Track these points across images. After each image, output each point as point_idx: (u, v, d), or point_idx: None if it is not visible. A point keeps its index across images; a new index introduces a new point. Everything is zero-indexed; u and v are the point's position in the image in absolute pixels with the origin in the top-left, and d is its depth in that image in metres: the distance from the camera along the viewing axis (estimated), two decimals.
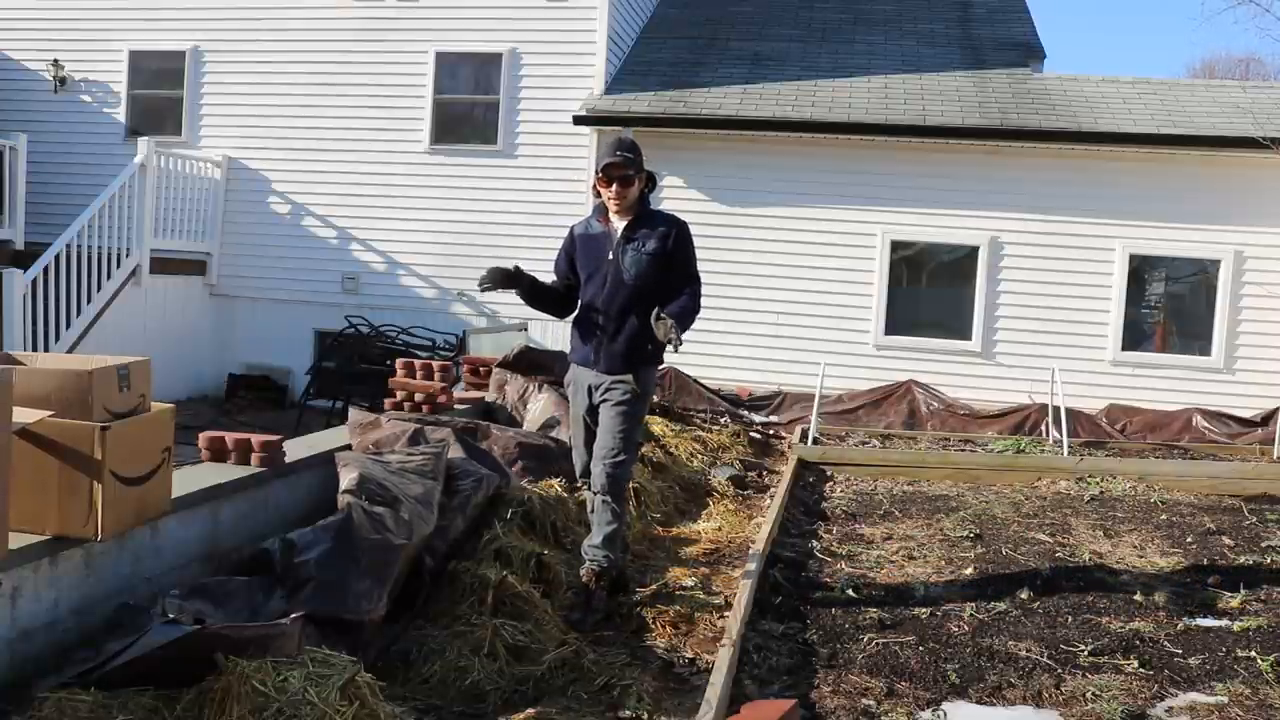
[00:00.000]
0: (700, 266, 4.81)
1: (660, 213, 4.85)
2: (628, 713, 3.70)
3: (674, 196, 10.85)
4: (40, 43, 12.90)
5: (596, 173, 4.71)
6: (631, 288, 4.62)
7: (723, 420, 10.06)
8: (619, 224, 4.70)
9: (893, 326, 11.04)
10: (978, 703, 3.88)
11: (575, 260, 4.82)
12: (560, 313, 5.03)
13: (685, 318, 4.56)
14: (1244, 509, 7.25)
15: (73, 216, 10.58)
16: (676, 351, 4.49)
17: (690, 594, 4.96)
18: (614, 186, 4.63)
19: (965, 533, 6.37)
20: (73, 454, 3.30)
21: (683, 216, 4.87)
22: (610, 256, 4.67)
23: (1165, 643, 4.49)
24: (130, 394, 3.55)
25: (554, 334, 11.08)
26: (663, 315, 4.43)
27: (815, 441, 9.12)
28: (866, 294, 11.06)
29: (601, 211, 4.79)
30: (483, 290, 4.75)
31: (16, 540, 3.19)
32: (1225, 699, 3.91)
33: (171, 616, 3.36)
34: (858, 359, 10.97)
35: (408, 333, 11.27)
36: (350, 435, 5.44)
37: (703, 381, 10.79)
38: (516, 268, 4.79)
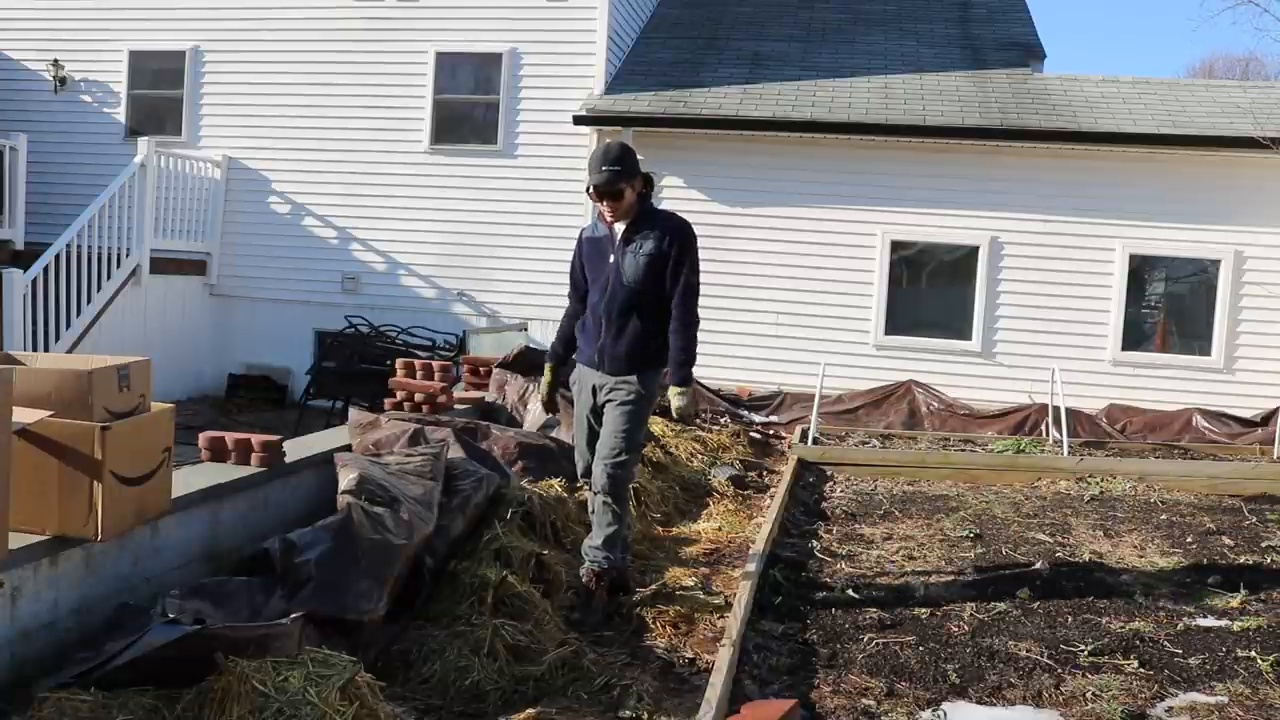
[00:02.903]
0: (700, 266, 4.73)
1: (663, 214, 4.80)
2: (628, 713, 3.70)
3: (674, 196, 10.85)
4: (40, 43, 12.90)
5: (586, 189, 4.70)
6: (630, 290, 4.62)
7: (723, 420, 10.06)
8: (620, 226, 4.70)
9: (893, 326, 11.04)
10: (978, 703, 3.87)
11: (584, 264, 4.83)
12: None
13: (686, 357, 4.70)
14: (1244, 509, 7.25)
15: (73, 216, 10.59)
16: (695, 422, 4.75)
17: (690, 594, 4.95)
18: (605, 202, 4.62)
19: (965, 533, 6.38)
20: (73, 454, 3.30)
21: (683, 216, 4.83)
22: (611, 259, 4.67)
23: (1165, 643, 4.49)
24: (130, 394, 3.55)
25: (554, 334, 11.07)
26: (670, 395, 4.74)
27: (815, 441, 9.12)
28: (866, 294, 11.06)
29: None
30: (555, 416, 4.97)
31: (16, 540, 3.19)
32: (1225, 699, 3.91)
33: (171, 616, 3.36)
34: (858, 359, 10.97)
35: (408, 333, 11.27)
36: (350, 435, 5.44)
37: (703, 381, 10.78)
38: (550, 394, 5.13)
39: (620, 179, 4.56)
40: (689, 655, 4.31)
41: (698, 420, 4.76)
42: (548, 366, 5.10)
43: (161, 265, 11.45)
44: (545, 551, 4.90)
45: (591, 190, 4.61)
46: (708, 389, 10.74)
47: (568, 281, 5.03)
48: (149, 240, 11.16)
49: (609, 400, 4.68)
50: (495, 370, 7.58)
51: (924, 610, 4.87)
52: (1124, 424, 10.37)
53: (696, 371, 11.48)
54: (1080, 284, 10.77)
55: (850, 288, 11.08)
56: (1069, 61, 63.72)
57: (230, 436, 4.57)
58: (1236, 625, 4.73)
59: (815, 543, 6.10)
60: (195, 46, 12.52)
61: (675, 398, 4.73)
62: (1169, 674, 4.14)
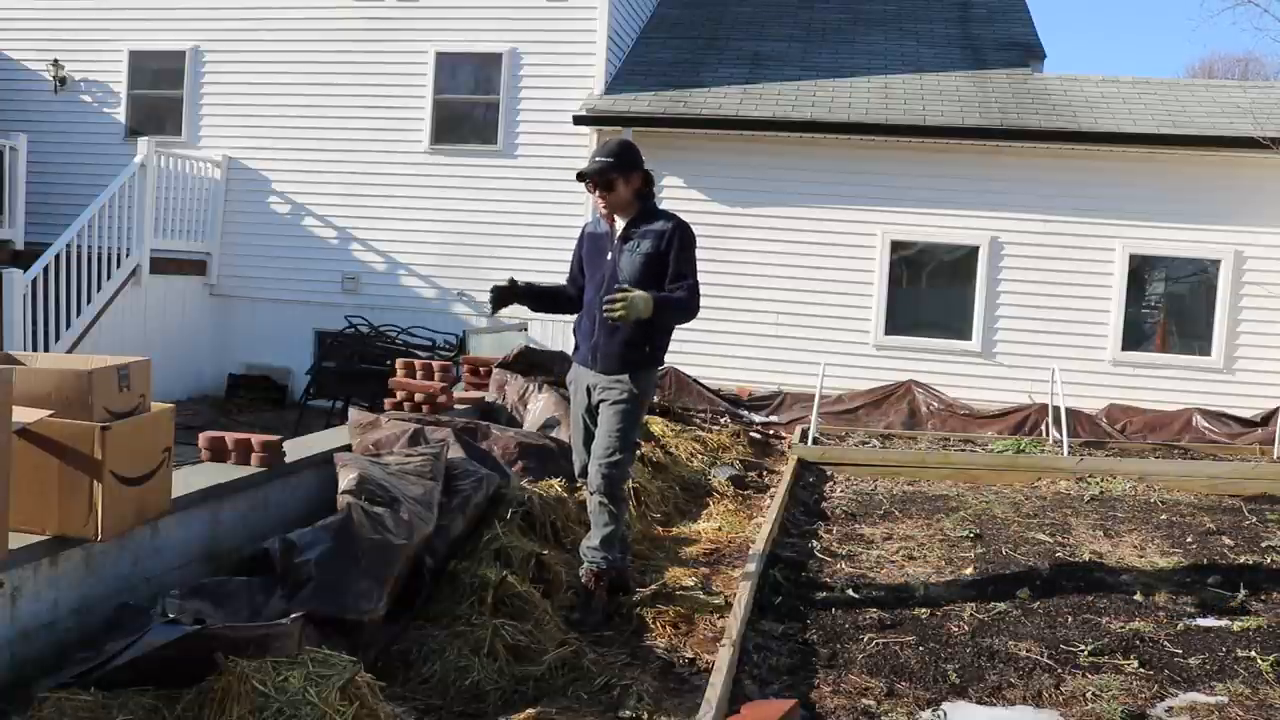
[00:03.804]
0: (700, 266, 4.75)
1: (662, 212, 4.78)
2: (628, 713, 3.70)
3: (674, 196, 10.85)
4: (40, 43, 12.90)
5: (578, 174, 4.73)
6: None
7: (723, 420, 10.05)
8: (620, 223, 4.70)
9: (893, 326, 11.04)
10: (978, 703, 3.87)
11: (584, 259, 4.84)
12: (574, 310, 4.98)
13: (669, 308, 4.52)
14: (1244, 509, 7.25)
15: (73, 216, 10.59)
16: (609, 322, 4.42)
17: (690, 594, 4.95)
18: (596, 193, 4.66)
19: (965, 533, 6.37)
20: (73, 454, 3.30)
21: (683, 216, 4.81)
22: (609, 256, 4.67)
23: (1165, 643, 4.49)
24: (130, 394, 3.55)
25: (554, 334, 11.08)
26: (627, 292, 4.36)
27: (815, 441, 9.12)
28: (866, 294, 11.06)
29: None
30: (494, 312, 4.79)
31: (16, 540, 3.19)
32: (1225, 699, 3.91)
33: (171, 616, 3.36)
34: (858, 359, 10.97)
35: (408, 333, 11.28)
36: (350, 435, 5.44)
37: (703, 381, 10.79)
38: (512, 280, 4.81)
39: (611, 170, 4.60)
40: (689, 655, 4.31)
41: (632, 320, 4.45)
42: (521, 284, 4.86)
43: (161, 265, 11.45)
44: (545, 551, 4.90)
45: (587, 181, 4.64)
46: (708, 389, 10.74)
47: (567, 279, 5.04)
48: (149, 240, 11.16)
49: (602, 400, 4.67)
50: (495, 370, 7.57)
51: (924, 610, 4.87)
52: (1124, 424, 10.37)
53: (696, 371, 11.46)
54: (1080, 284, 10.77)
55: (850, 288, 11.08)
56: (1069, 61, 63.77)
57: (230, 436, 4.56)
58: (1236, 625, 4.73)
59: (815, 543, 6.10)
60: (195, 46, 12.52)
61: (637, 297, 4.36)
62: (1169, 674, 4.14)
